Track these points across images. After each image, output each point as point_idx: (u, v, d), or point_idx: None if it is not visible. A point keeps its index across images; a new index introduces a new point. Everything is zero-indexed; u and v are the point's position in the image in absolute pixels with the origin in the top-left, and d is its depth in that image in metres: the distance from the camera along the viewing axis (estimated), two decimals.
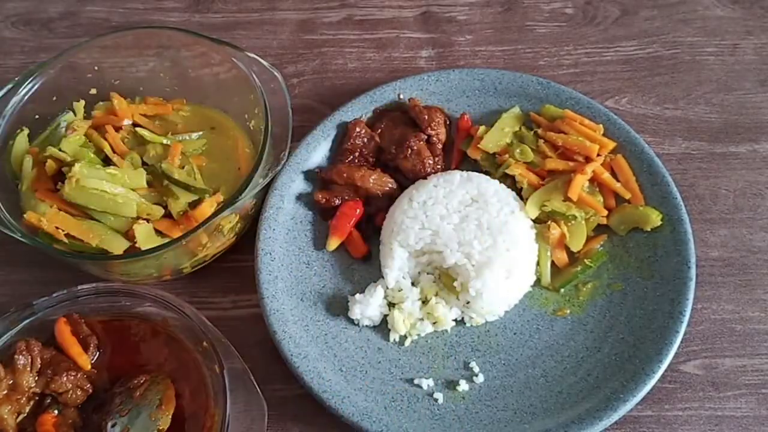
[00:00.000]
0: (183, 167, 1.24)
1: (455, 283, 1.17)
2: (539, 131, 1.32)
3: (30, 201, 1.18)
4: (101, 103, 1.32)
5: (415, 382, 1.14)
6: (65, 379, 0.98)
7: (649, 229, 1.21)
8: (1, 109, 1.21)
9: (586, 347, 1.15)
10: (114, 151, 1.24)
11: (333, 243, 1.24)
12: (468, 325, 1.19)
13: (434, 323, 1.18)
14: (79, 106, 1.30)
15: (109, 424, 0.96)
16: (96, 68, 1.31)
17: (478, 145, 1.31)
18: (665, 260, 1.18)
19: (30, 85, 1.24)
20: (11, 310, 1.04)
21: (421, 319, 1.18)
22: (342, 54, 1.56)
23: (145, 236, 1.15)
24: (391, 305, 1.20)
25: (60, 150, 1.20)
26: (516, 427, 1.08)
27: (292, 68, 1.53)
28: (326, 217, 1.28)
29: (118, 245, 1.15)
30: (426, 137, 1.32)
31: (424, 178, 1.28)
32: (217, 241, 1.20)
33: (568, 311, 1.19)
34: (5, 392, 0.98)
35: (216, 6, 1.64)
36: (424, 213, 1.21)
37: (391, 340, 1.18)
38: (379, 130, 1.34)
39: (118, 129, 1.27)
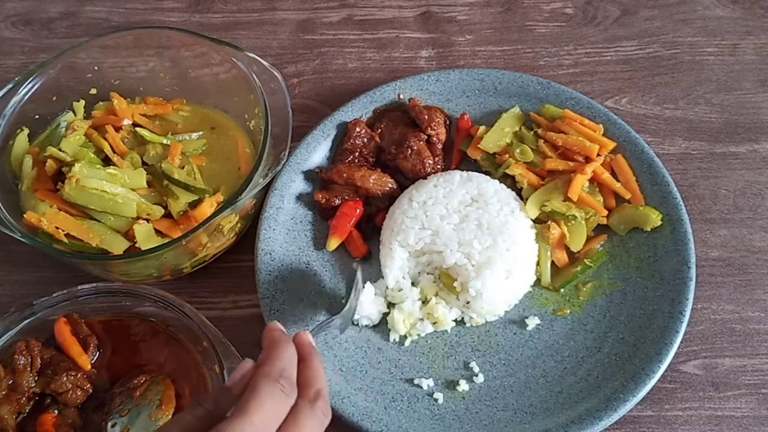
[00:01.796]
0: (183, 167, 1.24)
1: (455, 283, 1.17)
2: (539, 131, 1.31)
3: (30, 201, 1.18)
4: (101, 103, 1.32)
5: (415, 382, 1.14)
6: (65, 379, 0.98)
7: (649, 229, 1.21)
8: (1, 109, 1.21)
9: (586, 347, 1.15)
10: (114, 151, 1.24)
11: (333, 243, 1.24)
12: (468, 325, 1.19)
13: (434, 323, 1.18)
14: (79, 106, 1.30)
15: (109, 424, 0.97)
16: (96, 68, 1.31)
17: (478, 145, 1.31)
18: (665, 260, 1.18)
19: (30, 85, 1.24)
20: (11, 310, 1.04)
21: (421, 319, 1.18)
22: (342, 54, 1.55)
23: (145, 236, 1.15)
24: (391, 305, 1.20)
25: (60, 150, 1.20)
26: (516, 427, 1.08)
27: (292, 68, 1.53)
28: (326, 217, 1.27)
29: (118, 245, 1.15)
30: (426, 137, 1.32)
31: (424, 178, 1.28)
32: (217, 241, 1.20)
33: (568, 311, 1.19)
34: (5, 392, 0.98)
35: (216, 6, 1.64)
36: (424, 213, 1.21)
37: (391, 340, 1.18)
38: (379, 130, 1.34)
39: (118, 129, 1.27)
